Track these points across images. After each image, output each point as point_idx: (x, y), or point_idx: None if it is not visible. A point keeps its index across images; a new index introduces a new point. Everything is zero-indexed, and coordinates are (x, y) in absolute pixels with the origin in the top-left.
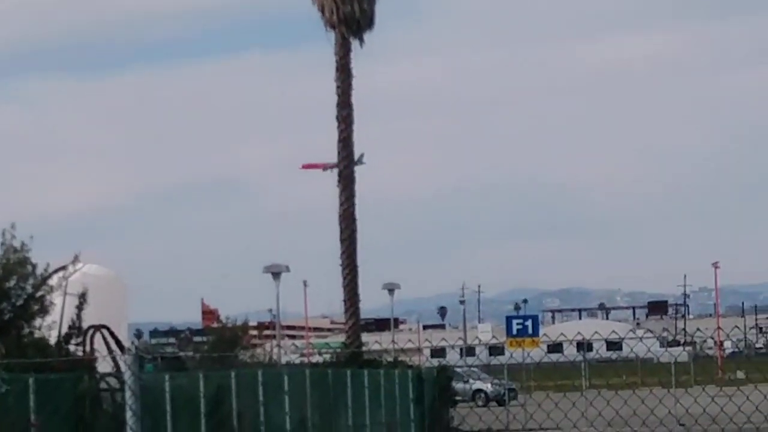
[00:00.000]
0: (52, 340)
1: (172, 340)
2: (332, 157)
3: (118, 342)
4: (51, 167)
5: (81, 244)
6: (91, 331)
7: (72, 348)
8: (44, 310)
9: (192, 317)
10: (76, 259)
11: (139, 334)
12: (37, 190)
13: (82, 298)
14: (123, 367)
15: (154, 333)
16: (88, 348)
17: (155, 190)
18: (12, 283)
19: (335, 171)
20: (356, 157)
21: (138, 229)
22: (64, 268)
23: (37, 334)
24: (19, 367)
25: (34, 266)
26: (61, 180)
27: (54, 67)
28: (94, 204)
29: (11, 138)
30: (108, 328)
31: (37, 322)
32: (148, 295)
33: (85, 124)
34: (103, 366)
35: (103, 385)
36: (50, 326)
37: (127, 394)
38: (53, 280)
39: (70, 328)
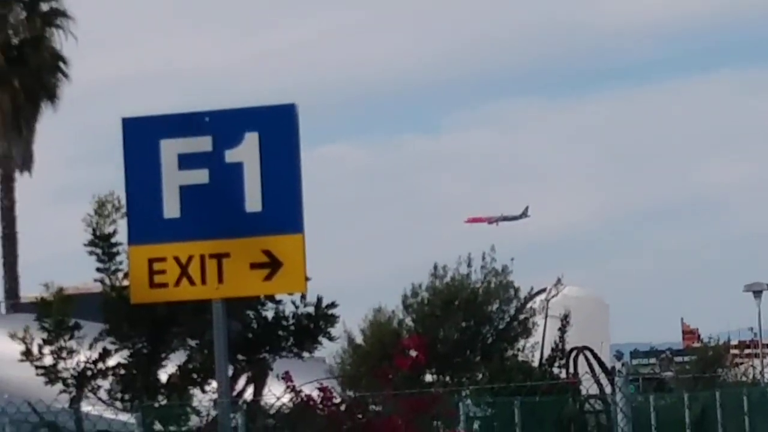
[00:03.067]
0: (535, 363)
1: (652, 360)
2: None
3: (601, 363)
4: (525, 190)
5: (561, 267)
6: (574, 353)
7: (555, 370)
8: (527, 332)
9: (672, 337)
10: (558, 282)
11: (619, 355)
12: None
13: (565, 320)
14: (611, 390)
15: (634, 353)
16: (571, 370)
17: (632, 210)
18: (494, 306)
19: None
20: None
21: (615, 250)
22: (544, 290)
23: (520, 357)
24: (506, 391)
25: (516, 289)
26: (535, 203)
27: (527, 90)
28: (572, 225)
29: (487, 161)
30: (591, 350)
31: (520, 344)
32: (627, 316)
33: (557, 146)
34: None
35: (586, 407)
36: (533, 347)
37: (619, 416)
38: (535, 303)
39: (552, 350)
